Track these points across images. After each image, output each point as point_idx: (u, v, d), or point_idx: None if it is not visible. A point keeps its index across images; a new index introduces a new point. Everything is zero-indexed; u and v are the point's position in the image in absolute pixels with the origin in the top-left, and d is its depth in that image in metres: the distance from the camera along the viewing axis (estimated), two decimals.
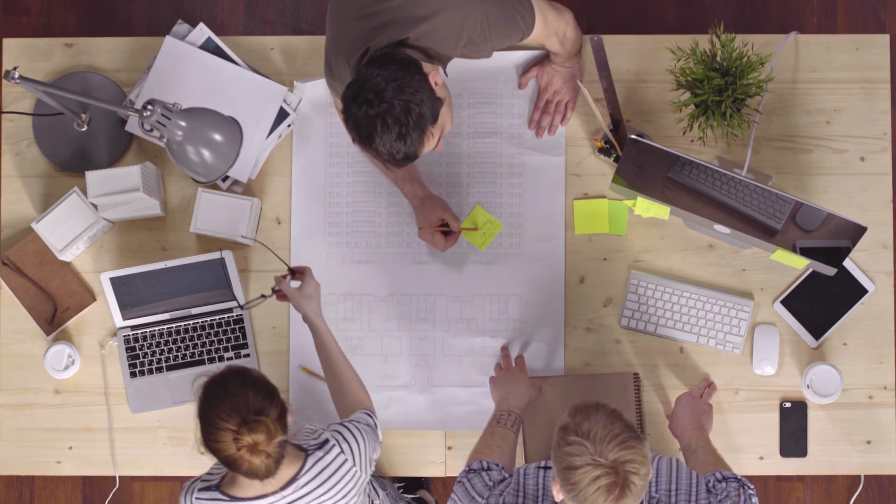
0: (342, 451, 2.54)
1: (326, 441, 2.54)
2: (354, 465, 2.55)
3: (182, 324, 2.99)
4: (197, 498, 2.50)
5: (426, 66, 2.54)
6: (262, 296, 2.85)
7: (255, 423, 2.34)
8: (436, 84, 2.53)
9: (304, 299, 2.74)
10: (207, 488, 2.50)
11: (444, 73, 2.66)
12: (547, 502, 2.47)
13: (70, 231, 2.94)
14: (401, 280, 3.02)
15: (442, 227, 2.96)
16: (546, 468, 2.50)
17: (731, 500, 2.45)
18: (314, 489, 2.51)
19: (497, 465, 2.57)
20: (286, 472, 2.48)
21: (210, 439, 2.36)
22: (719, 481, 2.49)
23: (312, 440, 2.55)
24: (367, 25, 2.57)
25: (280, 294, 2.80)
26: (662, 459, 2.50)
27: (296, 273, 2.78)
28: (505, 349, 2.97)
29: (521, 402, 2.83)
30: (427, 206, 2.96)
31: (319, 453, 2.52)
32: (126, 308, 2.99)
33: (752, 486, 2.50)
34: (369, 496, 2.75)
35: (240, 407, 2.35)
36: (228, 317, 3.00)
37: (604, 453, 2.21)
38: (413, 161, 2.56)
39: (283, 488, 2.48)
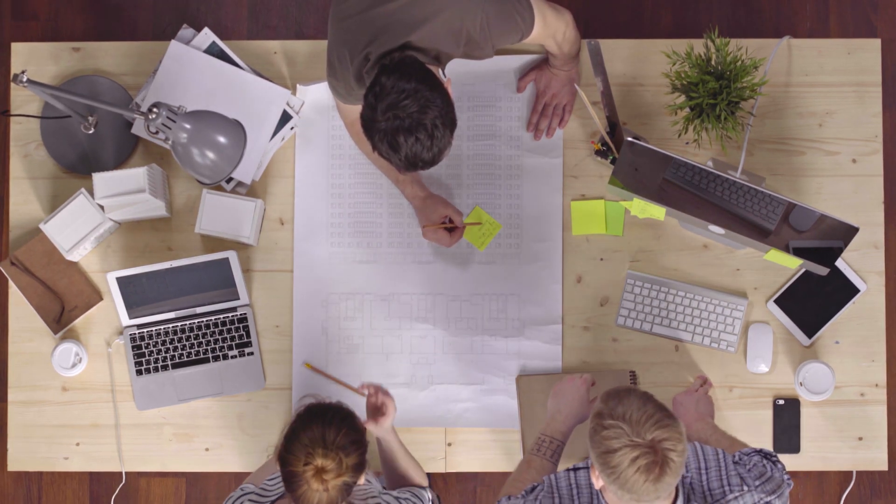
0: None
1: None
2: None
3: (187, 322, 3.00)
4: None
5: (439, 75, 2.57)
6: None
7: (331, 453, 2.34)
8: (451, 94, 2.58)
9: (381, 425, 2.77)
10: None
11: (444, 73, 2.67)
12: (583, 499, 2.45)
13: (77, 231, 2.95)
14: (401, 280, 3.03)
15: (446, 223, 2.96)
16: (575, 469, 2.48)
17: (759, 469, 2.45)
18: None
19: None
20: None
21: (286, 449, 2.37)
22: (744, 455, 2.49)
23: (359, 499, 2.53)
24: (369, 26, 2.58)
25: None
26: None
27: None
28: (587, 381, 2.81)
29: (566, 425, 2.69)
30: (429, 205, 2.96)
31: None
32: (132, 307, 2.99)
33: (775, 455, 2.50)
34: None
35: (328, 436, 2.36)
36: (233, 315, 3.01)
37: (641, 433, 2.21)
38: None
39: None
